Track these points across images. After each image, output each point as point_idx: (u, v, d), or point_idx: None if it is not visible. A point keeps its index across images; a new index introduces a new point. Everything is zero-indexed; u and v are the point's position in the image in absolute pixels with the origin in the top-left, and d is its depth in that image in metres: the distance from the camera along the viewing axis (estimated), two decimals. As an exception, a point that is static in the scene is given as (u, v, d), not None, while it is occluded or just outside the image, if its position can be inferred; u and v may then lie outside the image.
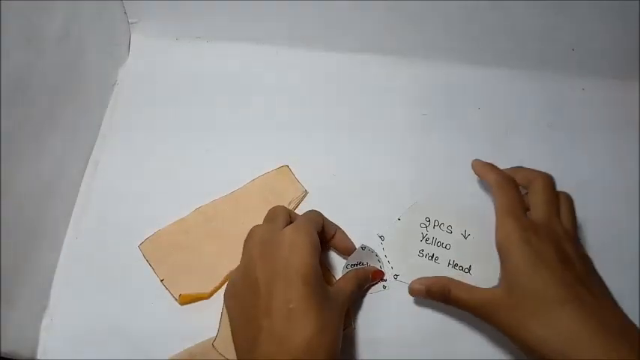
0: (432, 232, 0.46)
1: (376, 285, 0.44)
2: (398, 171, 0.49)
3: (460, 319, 0.43)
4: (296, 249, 0.36)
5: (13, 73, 0.38)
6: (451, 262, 0.44)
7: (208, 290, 0.43)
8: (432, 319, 0.43)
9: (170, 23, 0.55)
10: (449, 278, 0.41)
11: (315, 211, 0.43)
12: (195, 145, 0.50)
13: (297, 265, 0.35)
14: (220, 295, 0.43)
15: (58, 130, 0.44)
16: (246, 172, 0.48)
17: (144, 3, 0.53)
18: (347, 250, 0.43)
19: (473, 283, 0.40)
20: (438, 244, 0.45)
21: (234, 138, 0.50)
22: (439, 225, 0.46)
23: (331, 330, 0.34)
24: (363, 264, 0.44)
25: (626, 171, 0.51)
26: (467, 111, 0.53)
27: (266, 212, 0.41)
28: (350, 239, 0.44)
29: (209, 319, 0.41)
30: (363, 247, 0.43)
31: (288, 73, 0.54)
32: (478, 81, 0.55)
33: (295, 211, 0.47)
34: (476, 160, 0.46)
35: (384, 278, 0.44)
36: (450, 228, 0.46)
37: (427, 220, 0.46)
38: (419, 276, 0.43)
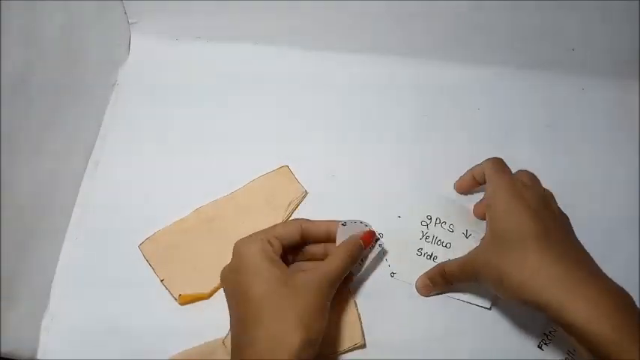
0: (433, 230, 0.45)
1: (374, 249, 0.42)
2: (398, 171, 0.49)
3: (460, 319, 0.43)
4: (242, 257, 0.37)
5: (13, 72, 0.38)
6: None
7: (208, 290, 0.43)
8: (432, 319, 0.43)
9: (170, 23, 0.55)
10: (442, 262, 0.42)
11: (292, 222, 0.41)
12: (195, 146, 0.50)
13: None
14: (220, 295, 0.43)
15: (58, 130, 0.44)
16: (246, 173, 0.48)
17: (144, 3, 0.53)
18: (326, 239, 0.41)
19: (470, 285, 0.41)
20: (438, 242, 0.45)
21: (234, 138, 0.50)
22: (441, 223, 0.45)
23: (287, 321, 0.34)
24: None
25: (626, 171, 0.51)
26: (467, 111, 0.53)
27: (266, 212, 0.42)
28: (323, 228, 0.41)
29: (209, 319, 0.41)
30: (343, 224, 0.41)
31: (289, 72, 0.54)
32: (478, 81, 0.55)
33: (295, 211, 0.47)
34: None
35: (377, 238, 0.42)
36: (451, 227, 0.45)
37: (429, 217, 0.46)
38: (416, 275, 0.43)
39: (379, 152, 0.50)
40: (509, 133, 0.52)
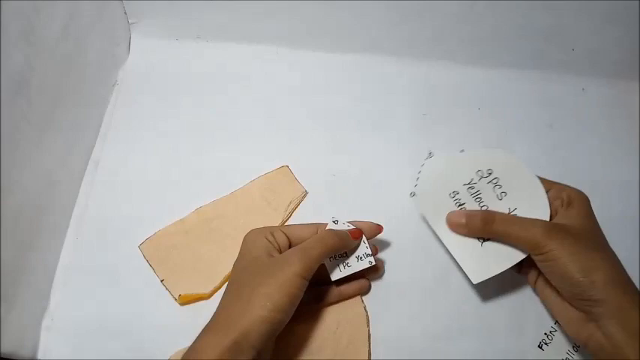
0: (482, 185, 0.40)
1: (362, 261, 0.41)
2: (398, 171, 0.49)
3: (460, 319, 0.43)
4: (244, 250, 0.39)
5: (13, 73, 0.38)
6: None
7: (208, 290, 0.43)
8: (432, 319, 0.43)
9: (170, 23, 0.55)
10: (492, 210, 0.40)
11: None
12: (195, 145, 0.50)
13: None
14: (221, 295, 0.43)
15: (58, 130, 0.44)
16: (246, 172, 0.48)
17: (144, 3, 0.53)
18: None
19: (476, 255, 0.39)
20: (477, 199, 0.40)
21: (234, 138, 0.50)
22: (496, 185, 0.40)
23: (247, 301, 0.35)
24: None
25: (626, 171, 0.51)
26: (467, 111, 0.53)
27: (266, 212, 0.42)
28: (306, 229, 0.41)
29: (209, 319, 0.41)
30: (335, 221, 0.41)
31: (288, 73, 0.54)
32: (478, 81, 0.55)
33: (295, 211, 0.47)
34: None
35: (369, 253, 0.40)
36: (502, 195, 0.40)
37: (489, 171, 0.40)
38: (433, 211, 0.40)
39: (379, 152, 0.50)
40: (509, 133, 0.52)
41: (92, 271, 0.44)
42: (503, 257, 0.39)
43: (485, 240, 0.40)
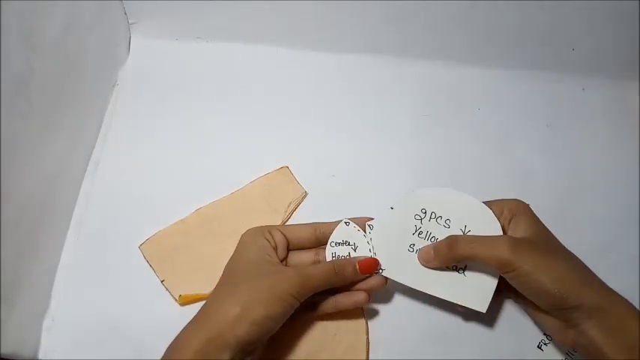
0: (427, 226, 0.41)
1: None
2: (398, 171, 0.49)
3: (460, 319, 0.43)
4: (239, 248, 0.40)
5: (13, 73, 0.38)
6: None
7: (208, 291, 0.43)
8: (432, 319, 0.43)
9: (170, 23, 0.55)
10: (456, 234, 0.40)
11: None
12: (195, 146, 0.50)
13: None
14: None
15: (59, 130, 0.44)
16: (246, 173, 0.48)
17: (144, 3, 0.53)
18: (310, 242, 0.41)
19: (466, 286, 0.39)
20: (432, 239, 0.41)
21: (234, 138, 0.50)
22: (436, 218, 0.41)
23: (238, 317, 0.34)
24: (349, 244, 0.41)
25: (626, 171, 0.51)
26: (467, 111, 0.53)
27: (266, 213, 0.42)
28: (305, 230, 0.41)
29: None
30: (347, 223, 0.41)
31: (288, 73, 0.54)
32: (478, 81, 0.55)
33: (295, 212, 0.47)
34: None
35: (379, 269, 0.40)
36: (447, 222, 0.41)
37: (423, 211, 0.41)
38: (406, 273, 0.40)
39: (379, 152, 0.50)
40: (509, 133, 0.52)
41: (92, 271, 0.44)
42: (488, 273, 0.40)
43: (463, 269, 0.40)
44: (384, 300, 0.44)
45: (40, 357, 0.41)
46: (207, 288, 0.43)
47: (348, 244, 0.41)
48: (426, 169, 0.49)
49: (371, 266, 0.40)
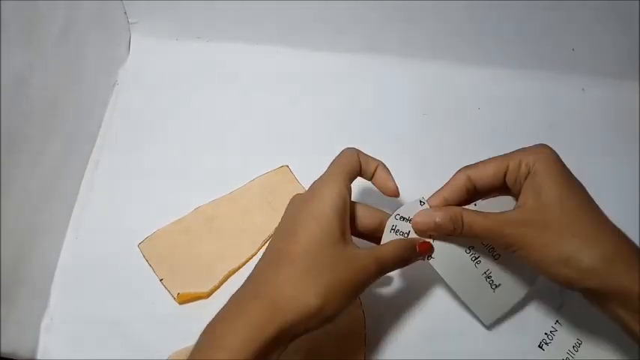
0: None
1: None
2: (398, 172, 0.49)
3: (460, 319, 0.43)
4: (315, 203, 0.34)
5: (13, 73, 0.38)
6: (486, 272, 0.39)
7: (207, 289, 0.43)
8: (432, 319, 0.43)
9: (170, 23, 0.55)
10: (461, 208, 0.37)
11: (349, 150, 0.38)
12: (195, 145, 0.50)
13: (307, 221, 0.33)
14: (220, 294, 0.43)
15: (58, 129, 0.44)
16: (246, 172, 0.48)
17: (144, 3, 0.53)
18: (388, 191, 0.39)
19: (488, 299, 0.39)
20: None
21: (234, 137, 0.50)
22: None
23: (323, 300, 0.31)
24: (411, 221, 0.38)
25: (626, 171, 0.51)
26: (467, 111, 0.53)
27: (266, 212, 0.41)
28: (392, 178, 0.39)
29: (209, 319, 0.41)
30: (421, 202, 0.38)
31: (288, 73, 0.54)
32: (478, 81, 0.55)
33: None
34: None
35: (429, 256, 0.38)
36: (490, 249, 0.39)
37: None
38: (451, 272, 0.38)
39: (379, 152, 0.50)
40: (509, 133, 0.52)
41: (92, 271, 0.44)
42: (514, 294, 0.40)
43: (497, 286, 0.39)
44: (384, 299, 0.44)
45: (38, 357, 0.41)
46: (206, 287, 0.43)
47: (409, 222, 0.38)
48: (426, 169, 0.49)
49: (427, 251, 0.38)
